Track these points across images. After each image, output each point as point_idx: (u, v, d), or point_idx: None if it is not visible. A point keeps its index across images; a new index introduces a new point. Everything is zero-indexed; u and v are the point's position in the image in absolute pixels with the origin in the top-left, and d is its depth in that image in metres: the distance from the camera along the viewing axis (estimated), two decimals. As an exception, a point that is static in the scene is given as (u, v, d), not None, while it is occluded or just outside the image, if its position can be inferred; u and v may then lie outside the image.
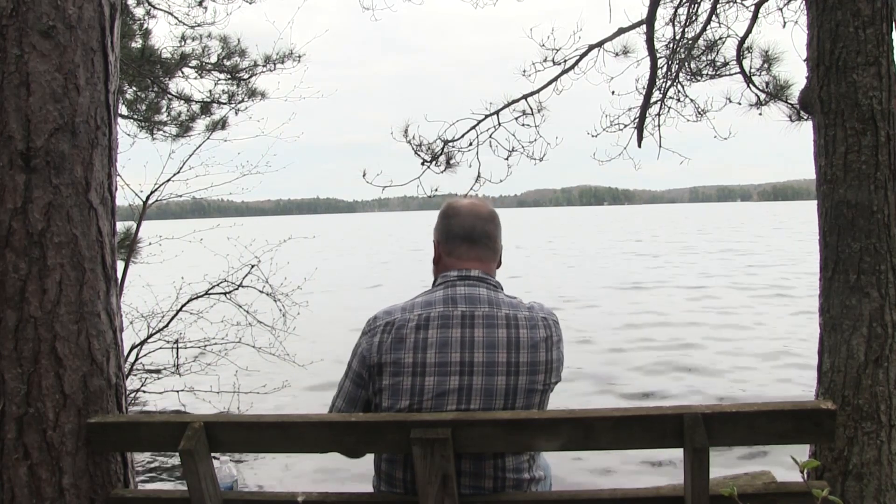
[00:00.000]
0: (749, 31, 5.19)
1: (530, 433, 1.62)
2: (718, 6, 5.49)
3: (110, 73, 1.87)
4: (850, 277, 2.62)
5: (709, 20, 5.53)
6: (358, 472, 4.87)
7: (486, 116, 5.60)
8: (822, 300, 2.75)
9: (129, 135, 6.58)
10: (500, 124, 5.64)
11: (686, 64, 5.84)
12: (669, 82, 5.92)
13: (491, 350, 1.75)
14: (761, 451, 5.13)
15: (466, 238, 1.91)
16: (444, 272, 1.91)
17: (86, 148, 1.79)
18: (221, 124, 6.67)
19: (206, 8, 6.44)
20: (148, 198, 5.57)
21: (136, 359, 5.83)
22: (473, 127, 5.62)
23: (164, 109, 6.82)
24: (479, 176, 5.74)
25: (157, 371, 6.42)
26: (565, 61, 5.59)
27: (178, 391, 6.07)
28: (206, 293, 6.10)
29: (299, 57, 6.68)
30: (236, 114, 6.73)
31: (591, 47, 5.57)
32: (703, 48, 5.77)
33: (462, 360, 1.74)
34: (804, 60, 2.88)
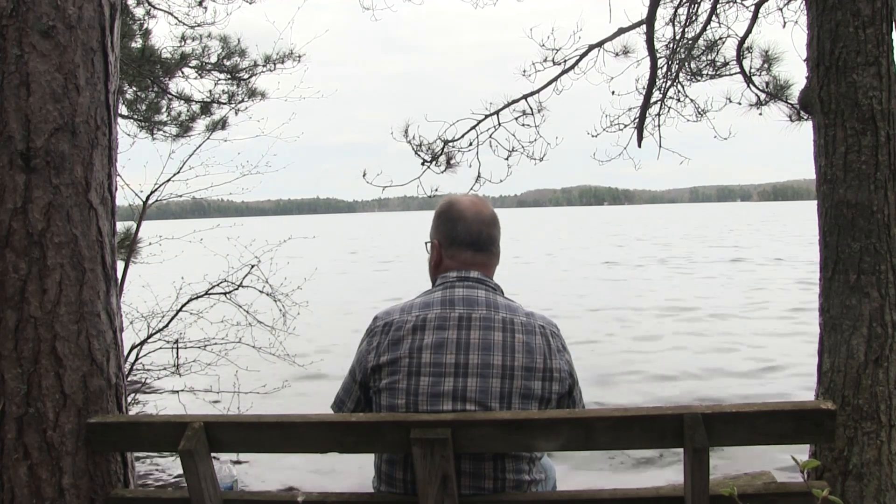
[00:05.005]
0: (749, 31, 5.20)
1: (530, 433, 1.62)
2: (718, 6, 5.49)
3: (110, 73, 1.87)
4: (850, 277, 2.62)
5: (709, 20, 5.53)
6: (358, 472, 4.87)
7: (486, 116, 5.61)
8: (822, 300, 2.75)
9: (129, 135, 6.58)
10: (500, 124, 5.64)
11: (686, 64, 5.84)
12: (669, 82, 5.93)
13: (486, 352, 1.75)
14: (761, 451, 5.12)
15: (472, 244, 1.91)
16: (444, 273, 1.91)
17: (86, 148, 1.79)
18: (221, 124, 6.67)
19: (206, 8, 6.43)
20: (148, 198, 5.56)
21: (136, 359, 5.82)
22: (473, 127, 5.62)
23: (164, 109, 6.81)
24: (479, 176, 5.74)
25: (157, 371, 6.41)
26: (565, 61, 5.59)
27: (178, 391, 6.06)
28: (206, 293, 6.09)
29: (299, 57, 6.68)
30: (236, 114, 6.72)
31: (591, 47, 5.57)
32: (703, 48, 5.78)
33: (457, 361, 1.74)
34: (804, 60, 2.88)
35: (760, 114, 5.52)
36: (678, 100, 6.01)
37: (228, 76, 6.70)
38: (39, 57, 1.71)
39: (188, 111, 6.78)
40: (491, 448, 1.66)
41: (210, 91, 6.72)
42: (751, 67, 5.36)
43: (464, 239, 1.91)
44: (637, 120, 5.77)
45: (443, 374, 1.73)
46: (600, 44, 5.56)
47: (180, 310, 6.01)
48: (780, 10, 5.39)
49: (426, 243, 2.04)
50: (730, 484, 1.46)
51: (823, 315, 2.74)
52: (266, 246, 6.29)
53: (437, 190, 5.59)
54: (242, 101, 6.72)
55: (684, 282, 17.95)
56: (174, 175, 5.54)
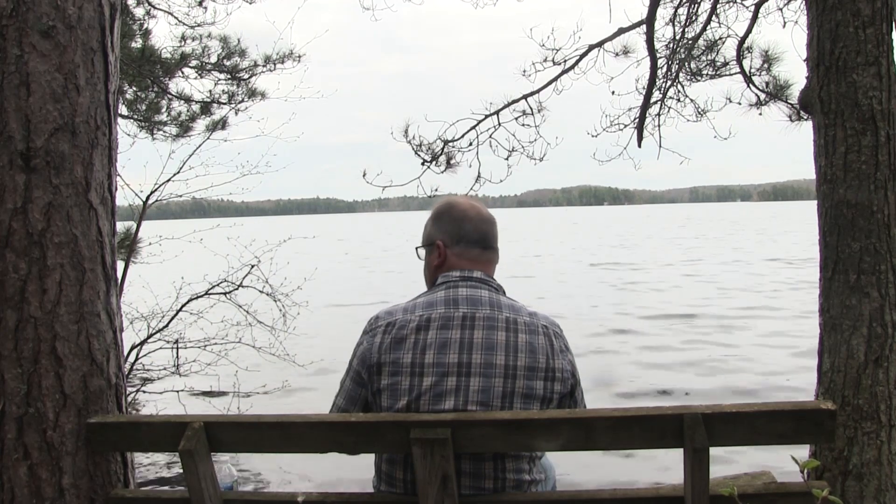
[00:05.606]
0: (749, 31, 5.20)
1: (530, 433, 1.62)
2: (718, 6, 5.49)
3: (110, 73, 1.87)
4: (850, 277, 2.62)
5: (709, 20, 5.53)
6: (358, 472, 4.87)
7: (486, 116, 5.61)
8: (822, 300, 2.75)
9: (129, 135, 6.59)
10: (500, 124, 5.64)
11: (686, 64, 5.84)
12: (669, 82, 5.92)
13: (489, 352, 1.75)
14: (761, 452, 5.12)
15: (479, 242, 1.93)
16: (446, 273, 1.91)
17: (86, 148, 1.79)
18: (221, 124, 6.68)
19: (206, 8, 6.44)
20: (148, 198, 5.57)
21: (136, 359, 5.83)
22: (473, 127, 5.62)
23: (164, 109, 6.82)
24: (479, 176, 5.74)
25: (158, 371, 6.42)
26: (565, 61, 5.59)
27: (178, 391, 6.07)
28: (206, 293, 6.11)
29: (299, 57, 6.69)
30: (236, 114, 6.74)
31: (591, 47, 5.57)
32: (703, 48, 5.78)
33: (460, 360, 1.74)
34: (804, 60, 2.88)
35: (760, 114, 5.52)
36: (678, 100, 6.02)
37: (228, 76, 6.71)
38: (39, 57, 1.71)
39: (188, 111, 6.79)
40: (491, 448, 1.66)
41: (210, 91, 6.73)
42: (751, 67, 5.36)
43: (471, 237, 1.93)
44: (637, 120, 5.77)
45: (446, 374, 1.73)
46: (600, 44, 5.56)
47: (180, 310, 6.02)
48: (780, 10, 5.40)
49: (417, 248, 2.03)
50: (730, 484, 1.46)
51: (823, 315, 2.74)
52: (266, 246, 6.30)
53: (436, 190, 5.59)
54: (242, 101, 6.74)
55: (685, 283, 17.95)
56: (174, 175, 5.56)
